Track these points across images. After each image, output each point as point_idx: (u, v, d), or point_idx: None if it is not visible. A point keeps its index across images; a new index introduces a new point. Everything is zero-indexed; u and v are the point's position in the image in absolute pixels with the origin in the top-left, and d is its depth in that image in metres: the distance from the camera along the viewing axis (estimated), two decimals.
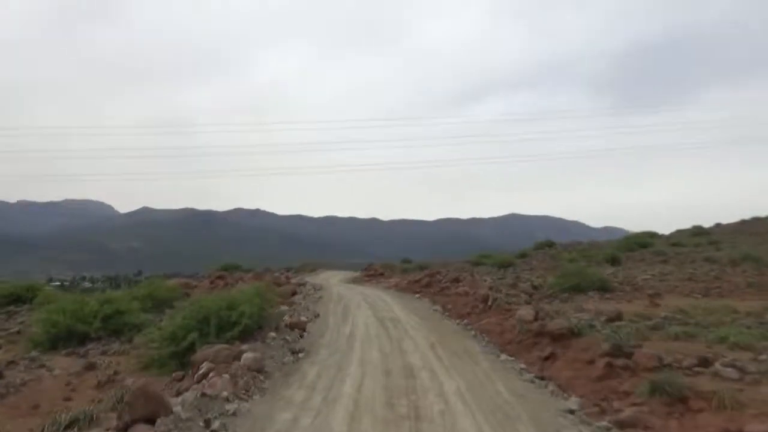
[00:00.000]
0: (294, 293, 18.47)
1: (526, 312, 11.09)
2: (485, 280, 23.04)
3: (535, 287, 21.18)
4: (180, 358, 8.06)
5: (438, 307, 16.27)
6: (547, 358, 8.37)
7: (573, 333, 8.77)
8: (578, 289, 16.85)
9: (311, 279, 33.68)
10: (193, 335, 8.25)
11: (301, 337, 9.97)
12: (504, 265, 34.91)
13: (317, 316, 12.97)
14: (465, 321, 13.54)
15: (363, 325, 11.64)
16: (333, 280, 32.13)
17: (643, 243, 40.79)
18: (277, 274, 28.00)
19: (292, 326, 10.39)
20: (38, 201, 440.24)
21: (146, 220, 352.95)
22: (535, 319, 10.73)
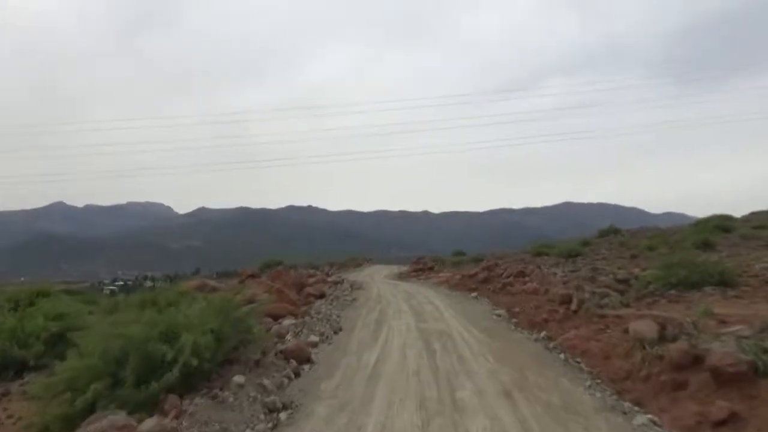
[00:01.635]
0: (322, 295, 15.14)
1: (645, 326, 7.24)
2: (555, 274, 19.04)
3: (620, 281, 17.07)
4: (71, 427, 4.76)
5: (502, 311, 12.52)
6: (722, 424, 4.54)
7: (758, 371, 4.92)
8: (688, 284, 12.66)
9: (354, 275, 30.52)
10: (98, 386, 4.97)
11: (297, 375, 6.43)
12: (570, 255, 30.38)
13: (338, 330, 9.51)
14: (542, 333, 9.77)
15: (398, 348, 8.04)
16: (377, 276, 28.80)
17: (722, 227, 35.76)
18: (306, 271, 24.88)
19: (289, 355, 6.94)
20: (103, 204, 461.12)
21: (203, 219, 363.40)
22: (662, 337, 6.89)
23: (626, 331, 8.98)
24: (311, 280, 23.44)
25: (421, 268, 29.01)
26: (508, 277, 19.19)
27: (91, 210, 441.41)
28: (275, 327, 8.80)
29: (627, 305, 11.37)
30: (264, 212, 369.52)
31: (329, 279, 24.10)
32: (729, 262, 19.53)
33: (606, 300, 11.29)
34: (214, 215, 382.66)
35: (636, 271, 19.14)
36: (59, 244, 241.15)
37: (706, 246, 25.76)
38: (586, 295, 11.29)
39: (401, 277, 27.52)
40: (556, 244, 38.81)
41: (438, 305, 13.69)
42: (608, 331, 9.24)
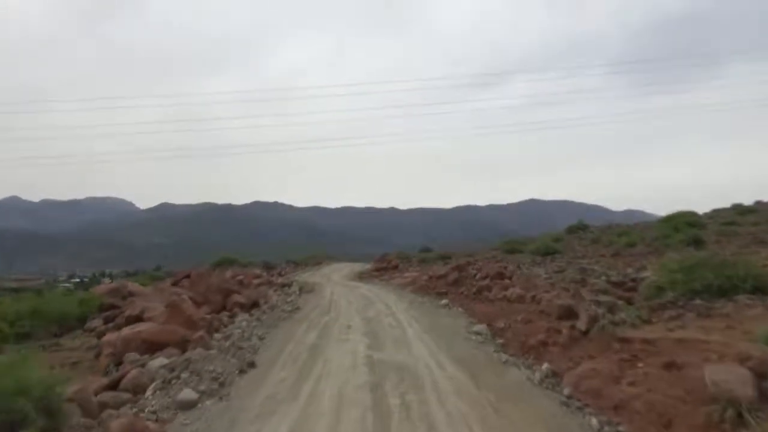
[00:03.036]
0: (254, 305, 11.97)
1: (731, 375, 4.40)
2: (539, 276, 16.33)
3: (616, 284, 14.51)
4: None
5: (481, 327, 9.62)
6: None
7: None
8: (715, 291, 10.02)
9: (310, 275, 27.36)
10: None
11: None
12: (547, 253, 27.81)
13: (247, 369, 6.25)
14: (544, 366, 6.88)
15: (331, 409, 4.83)
16: (335, 276, 25.69)
17: (692, 223, 34.21)
18: (252, 271, 21.61)
19: None
20: (61, 199, 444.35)
21: (166, 215, 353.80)
22: (764, 395, 4.08)
23: (669, 366, 6.21)
24: (255, 281, 20.24)
25: (385, 267, 26.05)
26: (484, 278, 16.38)
27: (47, 205, 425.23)
28: (131, 374, 5.64)
29: (648, 321, 8.62)
30: (229, 208, 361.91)
31: (277, 281, 20.93)
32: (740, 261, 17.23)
33: (621, 315, 8.52)
34: (178, 211, 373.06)
35: (630, 271, 16.63)
36: (14, 240, 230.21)
37: (697, 243, 23.64)
38: (595, 309, 8.49)
39: (362, 277, 24.48)
40: (528, 241, 36.65)
41: (400, 318, 10.71)
42: (640, 365, 6.43)
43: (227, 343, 7.17)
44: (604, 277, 15.48)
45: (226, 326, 8.99)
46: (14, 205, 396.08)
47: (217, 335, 7.82)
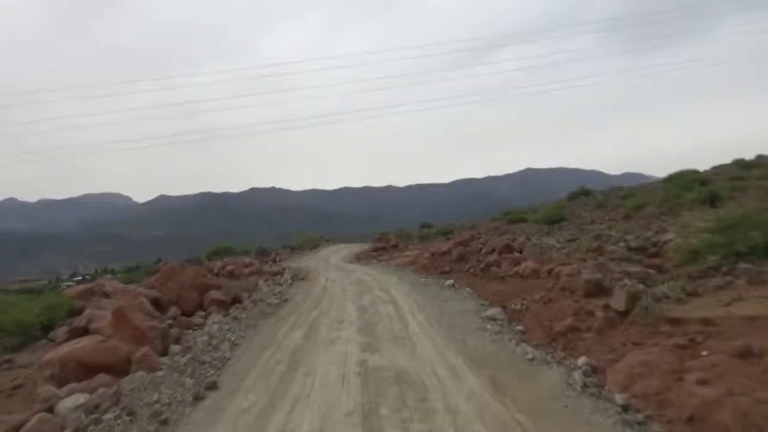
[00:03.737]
0: (234, 300, 10.57)
1: None
2: (551, 246, 14.95)
3: (637, 250, 13.20)
4: None
5: (495, 311, 8.26)
6: None
7: None
8: (762, 252, 8.63)
9: (307, 259, 26.00)
10: None
11: None
12: (553, 221, 26.37)
13: (203, 393, 4.76)
14: (580, 361, 5.53)
15: None
16: (332, 259, 24.33)
17: (698, 180, 32.84)
18: (242, 260, 20.20)
19: None
20: (58, 198, 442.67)
21: (164, 207, 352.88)
22: None
23: (744, 354, 4.85)
24: (246, 270, 18.88)
25: (384, 247, 24.66)
26: (491, 253, 15.03)
27: (45, 205, 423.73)
28: (31, 424, 4.22)
29: (694, 293, 7.24)
30: (226, 196, 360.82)
31: (270, 268, 19.56)
32: None
33: (662, 288, 7.13)
34: (175, 202, 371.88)
35: (649, 234, 15.26)
36: (14, 242, 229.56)
37: (714, 200, 22.28)
38: (632, 283, 7.10)
39: (360, 258, 23.13)
40: (530, 210, 35.37)
41: (401, 305, 9.33)
42: (704, 353, 5.06)
43: (185, 358, 5.78)
44: (622, 243, 14.12)
45: (195, 330, 7.60)
46: (12, 206, 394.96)
47: (174, 347, 6.43)
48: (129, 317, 6.24)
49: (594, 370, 5.36)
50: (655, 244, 13.48)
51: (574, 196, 41.43)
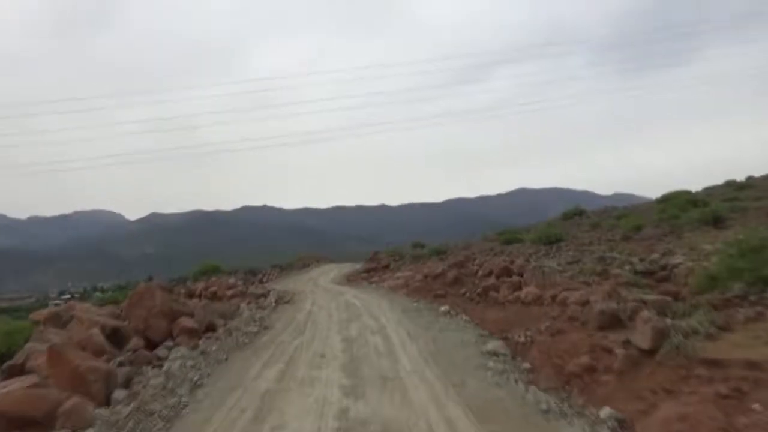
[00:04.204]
0: (208, 328, 9.55)
1: None
2: (552, 269, 14.08)
3: (645, 274, 12.38)
4: None
5: (497, 345, 7.36)
6: None
7: None
8: None
9: (295, 279, 25.02)
10: None
11: None
12: (550, 241, 25.50)
13: None
14: (603, 412, 4.64)
15: None
16: (322, 281, 23.35)
17: (692, 202, 32.45)
18: (226, 280, 19.13)
19: None
20: (48, 215, 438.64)
21: (156, 225, 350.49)
22: None
23: None
24: (229, 293, 17.86)
25: (374, 268, 23.71)
26: (488, 275, 14.15)
27: (35, 222, 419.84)
28: None
29: (726, 327, 6.37)
30: (218, 214, 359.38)
31: (255, 290, 18.55)
32: None
33: (690, 321, 6.25)
34: (167, 220, 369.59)
35: (656, 257, 14.46)
36: (3, 259, 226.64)
37: (717, 221, 21.59)
38: (655, 316, 6.23)
39: (350, 280, 22.16)
40: (524, 230, 34.65)
41: (391, 336, 8.40)
42: (755, 406, 4.18)
43: (129, 407, 4.80)
44: (628, 267, 13.29)
45: (153, 367, 6.60)
46: (1, 223, 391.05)
47: (119, 393, 5.45)
48: (66, 356, 5.27)
49: (621, 425, 4.46)
50: (663, 268, 12.65)
51: (568, 216, 40.87)
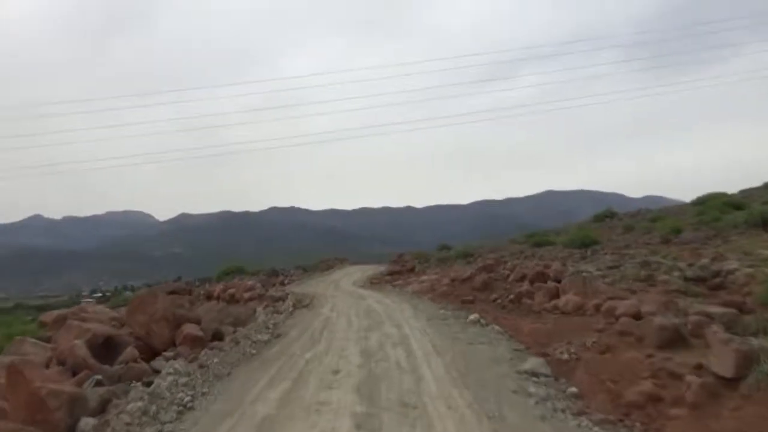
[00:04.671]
0: (214, 337, 8.80)
1: None
2: (592, 274, 12.94)
3: (697, 281, 11.22)
4: None
5: (537, 363, 6.38)
6: None
7: None
8: None
9: (317, 282, 24.26)
10: None
11: None
12: (584, 245, 24.14)
13: None
14: None
15: None
16: (344, 282, 22.54)
17: (729, 203, 30.67)
18: (244, 282, 18.45)
19: None
20: (82, 215, 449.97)
21: (185, 225, 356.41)
22: None
23: None
24: (246, 295, 17.18)
25: (399, 271, 22.79)
26: (520, 280, 13.09)
27: (69, 222, 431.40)
28: None
29: None
30: (246, 215, 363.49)
31: (274, 292, 17.81)
32: None
33: None
34: (196, 221, 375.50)
35: (705, 262, 13.20)
36: (38, 258, 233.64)
37: (766, 224, 20.08)
38: (716, 330, 5.19)
39: (373, 283, 21.28)
40: (552, 233, 33.35)
41: (414, 348, 7.49)
42: None
43: None
44: (676, 273, 12.10)
45: (144, 383, 5.80)
46: (37, 223, 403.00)
47: (86, 422, 4.65)
48: (25, 377, 4.53)
49: None
50: (717, 274, 11.42)
51: (599, 218, 39.38)
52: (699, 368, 4.85)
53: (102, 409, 5.10)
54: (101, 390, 5.49)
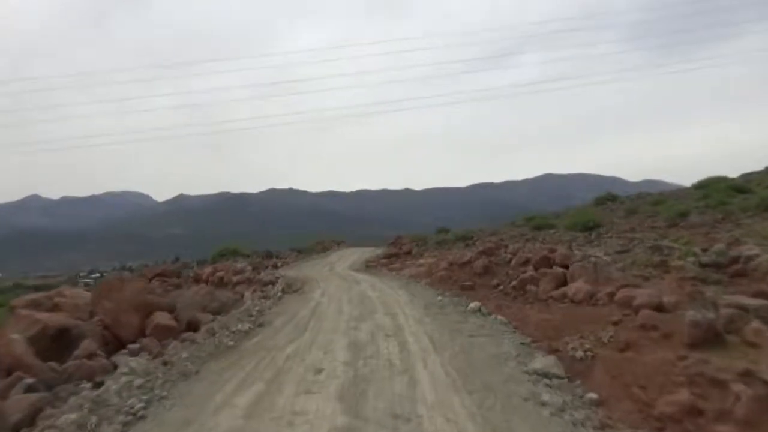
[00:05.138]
0: (189, 327, 7.99)
1: None
2: (600, 259, 12.14)
3: (712, 267, 10.49)
4: None
5: (549, 364, 5.56)
6: None
7: None
8: None
9: (312, 265, 23.50)
10: None
11: None
12: (586, 228, 23.34)
13: None
14: None
15: None
16: (339, 266, 21.80)
17: (733, 187, 30.04)
18: (235, 265, 17.60)
19: None
20: (80, 196, 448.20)
21: (183, 206, 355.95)
22: None
23: None
24: (235, 278, 16.41)
25: (396, 254, 22.00)
26: (523, 265, 12.30)
27: (67, 202, 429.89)
28: None
29: None
30: (245, 197, 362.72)
31: (266, 276, 17.02)
32: None
33: None
34: (194, 202, 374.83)
35: (720, 247, 12.42)
36: (36, 238, 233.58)
37: None
38: (756, 325, 4.41)
39: (369, 266, 20.51)
40: (552, 216, 32.62)
41: (409, 342, 6.70)
42: None
43: None
44: (691, 258, 11.32)
45: (96, 384, 4.96)
46: (35, 203, 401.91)
47: None
48: None
49: None
50: (735, 260, 10.65)
51: (600, 202, 38.74)
52: (747, 375, 4.06)
53: (30, 421, 4.29)
54: (33, 397, 4.67)
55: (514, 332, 7.26)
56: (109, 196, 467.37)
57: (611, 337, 6.11)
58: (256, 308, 10.10)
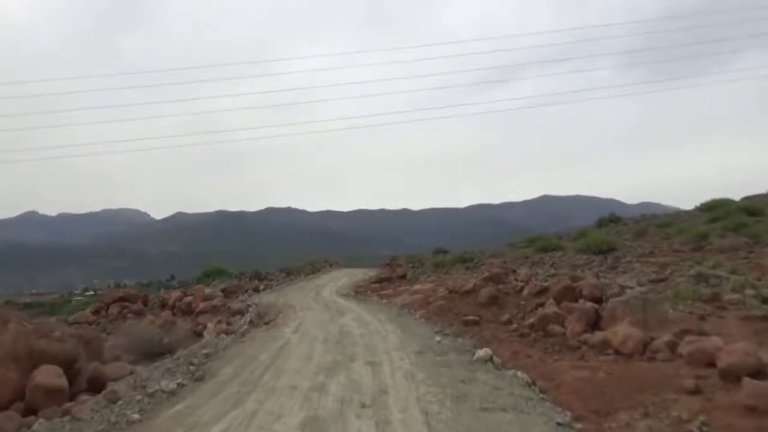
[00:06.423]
0: (93, 384, 5.86)
1: None
2: (634, 289, 9.98)
3: None
4: None
5: None
6: None
7: None
8: None
9: (297, 287, 21.34)
10: None
11: None
12: (601, 251, 21.18)
13: None
14: None
15: None
16: (326, 290, 19.56)
17: (742, 209, 28.75)
18: (210, 290, 15.43)
19: None
20: (77, 212, 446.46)
21: (181, 224, 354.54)
22: None
23: None
24: (201, 306, 14.24)
25: (388, 278, 19.75)
26: (538, 295, 10.15)
27: (64, 218, 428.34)
28: None
29: None
30: (243, 215, 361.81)
31: (234, 304, 14.84)
32: None
33: None
34: (192, 219, 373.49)
35: None
36: (32, 254, 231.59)
37: None
38: None
39: (359, 291, 18.29)
40: (558, 236, 30.67)
41: (393, 420, 4.54)
42: None
43: None
44: (750, 290, 9.20)
45: None
46: (32, 219, 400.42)
47: None
48: None
49: None
50: None
51: (603, 223, 37.14)
52: None
53: None
54: None
55: (544, 400, 5.11)
56: (107, 212, 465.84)
57: (704, 424, 3.96)
58: (205, 350, 7.95)
